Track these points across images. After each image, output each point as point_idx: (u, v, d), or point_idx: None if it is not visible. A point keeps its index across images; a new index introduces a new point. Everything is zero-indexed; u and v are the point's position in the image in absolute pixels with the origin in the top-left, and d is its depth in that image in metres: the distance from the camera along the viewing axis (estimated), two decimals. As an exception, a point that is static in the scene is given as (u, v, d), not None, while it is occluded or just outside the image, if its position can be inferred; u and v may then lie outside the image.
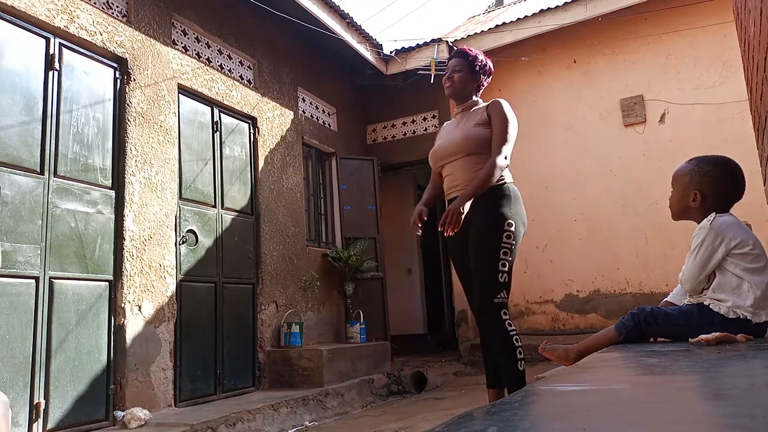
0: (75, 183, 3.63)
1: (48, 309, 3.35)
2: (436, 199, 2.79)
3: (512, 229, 2.42)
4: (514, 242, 2.42)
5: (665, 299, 2.04)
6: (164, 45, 4.40)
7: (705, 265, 1.74)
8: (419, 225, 2.61)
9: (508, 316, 2.40)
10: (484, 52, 2.79)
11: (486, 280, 2.40)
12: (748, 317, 1.67)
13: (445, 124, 2.85)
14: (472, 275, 2.50)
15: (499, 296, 2.38)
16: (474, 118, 2.60)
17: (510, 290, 2.45)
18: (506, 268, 2.40)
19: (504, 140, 2.48)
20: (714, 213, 1.78)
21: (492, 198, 2.45)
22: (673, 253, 5.67)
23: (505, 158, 2.46)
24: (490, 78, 2.74)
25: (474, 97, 2.71)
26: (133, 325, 3.80)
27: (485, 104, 2.64)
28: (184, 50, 4.64)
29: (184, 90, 4.57)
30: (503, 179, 2.51)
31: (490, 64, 2.72)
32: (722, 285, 1.72)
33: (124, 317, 3.75)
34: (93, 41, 3.80)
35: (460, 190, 2.53)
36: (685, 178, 1.87)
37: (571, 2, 6.11)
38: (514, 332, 2.39)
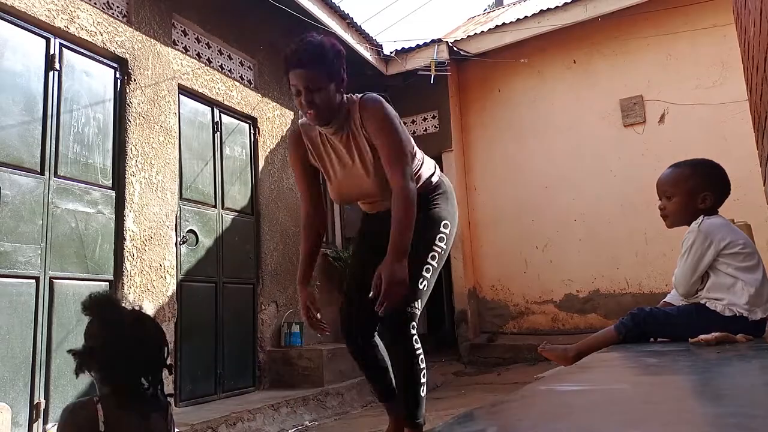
0: (75, 183, 3.63)
1: (48, 309, 3.35)
2: (314, 265, 2.24)
3: (447, 231, 2.09)
4: (444, 246, 2.08)
5: (664, 300, 2.05)
6: (164, 45, 4.40)
7: (696, 268, 1.75)
8: (322, 324, 2.14)
9: (416, 332, 1.98)
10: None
11: None
12: (744, 314, 1.67)
13: (310, 140, 2.15)
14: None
15: (413, 305, 1.95)
16: (360, 139, 2.02)
17: (424, 303, 2.04)
18: (429, 275, 2.02)
19: (398, 154, 1.93)
20: (702, 216, 1.78)
21: (424, 198, 2.06)
22: (673, 254, 5.62)
23: (410, 178, 1.93)
24: (344, 59, 2.01)
25: (343, 103, 2.01)
26: (134, 325, 3.80)
27: (354, 112, 2.00)
28: (184, 50, 4.64)
29: (184, 90, 4.57)
30: (431, 174, 2.15)
31: (337, 45, 1.98)
32: (716, 285, 1.73)
33: (125, 317, 3.75)
34: (93, 41, 3.80)
35: (380, 204, 2.13)
36: (689, 182, 1.84)
37: (571, 2, 6.11)
38: (420, 352, 2.00)
